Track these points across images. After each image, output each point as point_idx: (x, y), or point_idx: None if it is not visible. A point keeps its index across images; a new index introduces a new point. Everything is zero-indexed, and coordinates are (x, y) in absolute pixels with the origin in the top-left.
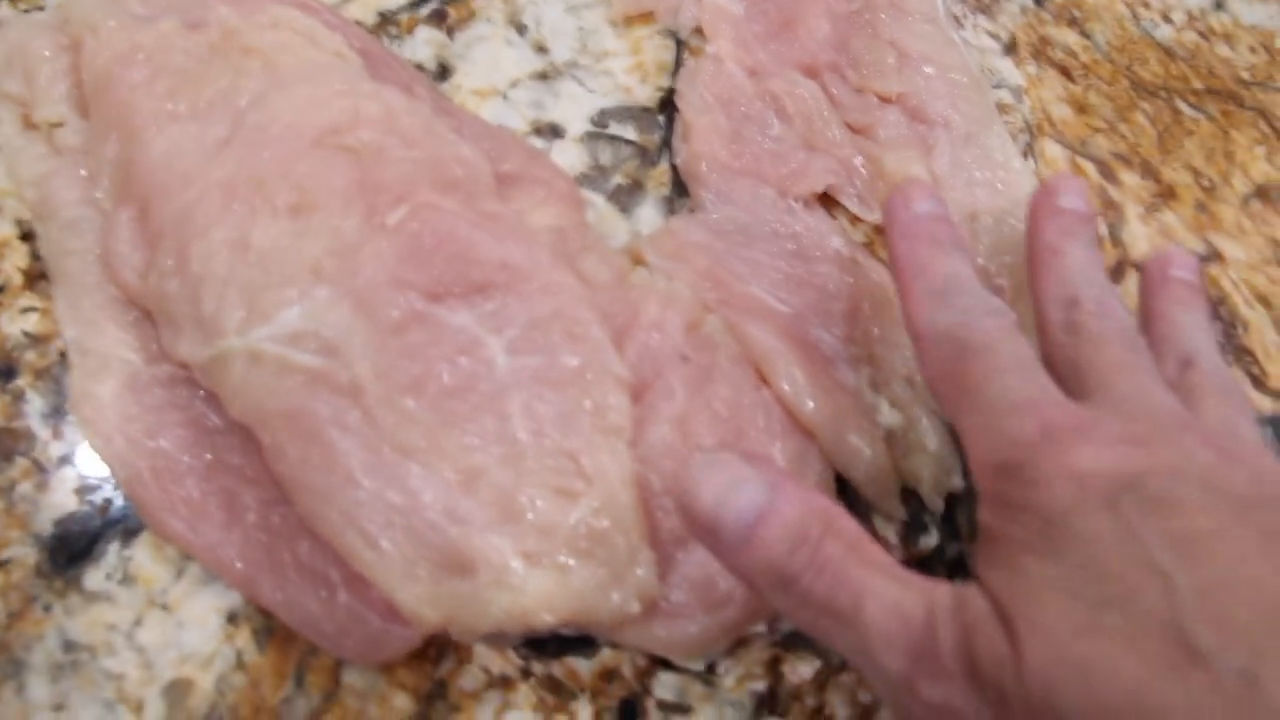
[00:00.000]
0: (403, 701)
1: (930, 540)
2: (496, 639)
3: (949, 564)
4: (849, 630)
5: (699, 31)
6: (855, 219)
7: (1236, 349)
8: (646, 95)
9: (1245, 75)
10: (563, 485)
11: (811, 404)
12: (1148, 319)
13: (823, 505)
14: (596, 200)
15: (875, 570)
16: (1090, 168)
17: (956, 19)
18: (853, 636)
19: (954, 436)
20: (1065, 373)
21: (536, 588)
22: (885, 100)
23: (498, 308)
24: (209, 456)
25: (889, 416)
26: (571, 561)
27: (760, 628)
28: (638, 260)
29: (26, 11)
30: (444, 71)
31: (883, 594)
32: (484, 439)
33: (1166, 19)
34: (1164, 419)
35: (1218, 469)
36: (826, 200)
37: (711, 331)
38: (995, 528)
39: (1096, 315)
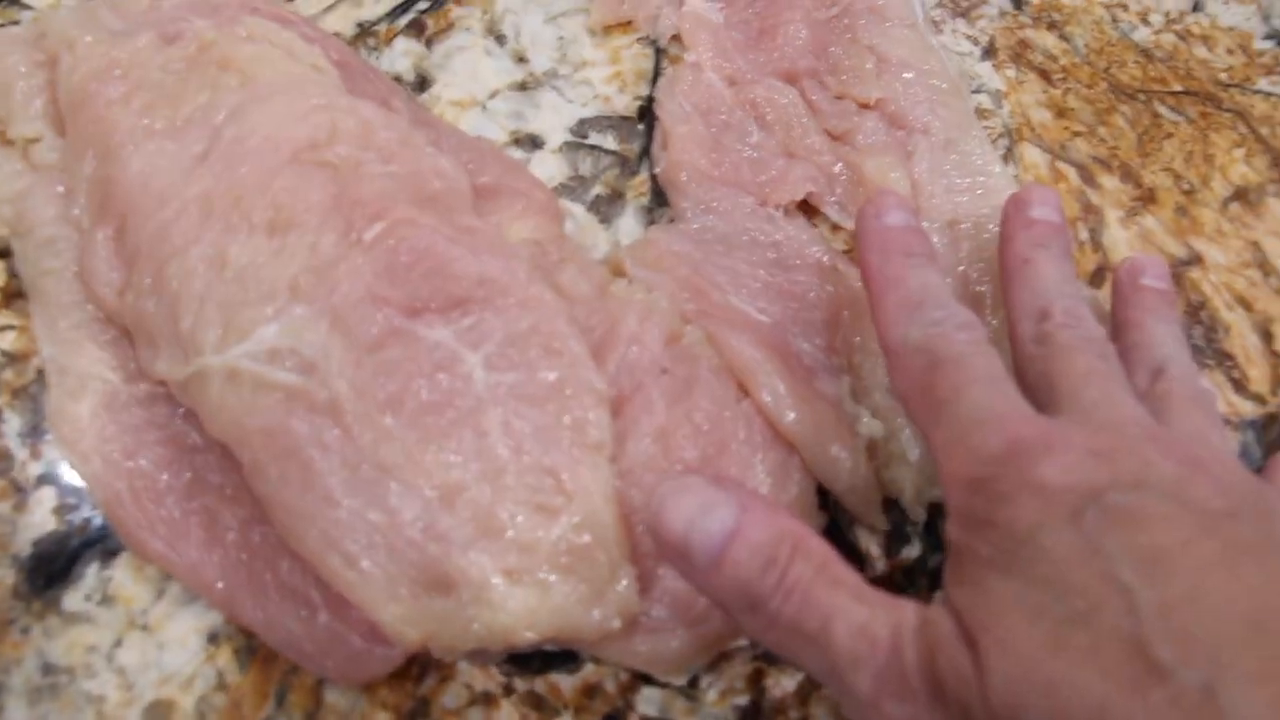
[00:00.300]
0: None
1: (913, 551)
2: (479, 656)
3: (931, 574)
4: (817, 651)
5: (678, 39)
6: (835, 226)
7: (1217, 353)
8: (625, 104)
9: (1223, 77)
10: (543, 501)
11: (792, 415)
12: (1119, 328)
13: (791, 527)
14: (576, 210)
15: (842, 591)
16: (1070, 172)
17: (935, 24)
18: (821, 657)
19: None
20: (1037, 384)
21: (517, 605)
22: (864, 106)
23: (475, 323)
24: (188, 475)
25: (870, 427)
26: (552, 578)
27: (742, 642)
28: (617, 271)
29: (2, 26)
30: (423, 82)
31: (849, 615)
32: (463, 455)
33: (1145, 21)
34: (1131, 430)
35: (1183, 480)
36: (807, 208)
37: (691, 343)
38: (962, 543)
39: (1066, 326)
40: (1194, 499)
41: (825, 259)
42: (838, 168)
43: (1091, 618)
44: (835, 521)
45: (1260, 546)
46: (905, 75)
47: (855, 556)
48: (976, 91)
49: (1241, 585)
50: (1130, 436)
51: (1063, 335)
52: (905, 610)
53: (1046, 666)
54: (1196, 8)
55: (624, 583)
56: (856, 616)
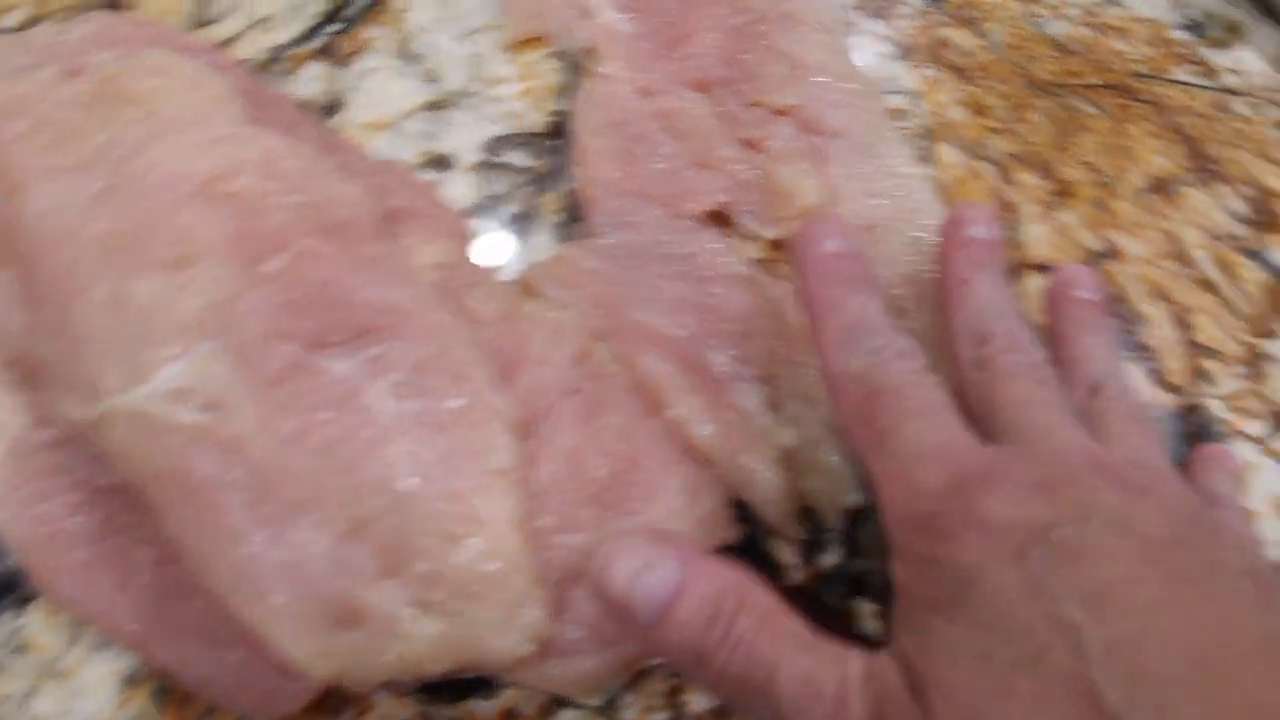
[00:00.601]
0: None
1: (832, 558)
2: (394, 686)
3: (850, 580)
4: (765, 703)
5: (590, 52)
6: (749, 236)
7: (1135, 345)
8: (537, 120)
9: (1140, 68)
10: (450, 529)
11: (706, 429)
12: (1055, 343)
13: (735, 580)
14: (489, 230)
15: (787, 642)
16: (987, 169)
17: (851, 25)
18: (768, 709)
19: (852, 452)
20: (978, 408)
21: (428, 635)
22: (779, 113)
23: (381, 353)
24: (100, 517)
25: (786, 436)
26: (462, 606)
27: (659, 660)
28: (529, 291)
29: None
30: (334, 106)
31: (794, 666)
32: (370, 487)
33: (1061, 15)
34: (1074, 459)
35: (1127, 510)
36: (720, 218)
37: (602, 361)
38: (908, 585)
39: (1005, 351)
40: (1138, 529)
41: (740, 269)
42: (751, 176)
43: (1039, 661)
44: (751, 533)
45: (1205, 575)
46: (819, 79)
47: (771, 568)
48: (894, 92)
49: (1187, 621)
50: (1073, 465)
51: (1002, 360)
52: (852, 659)
53: (995, 714)
54: (1112, 0)
55: (534, 607)
56: (801, 667)
